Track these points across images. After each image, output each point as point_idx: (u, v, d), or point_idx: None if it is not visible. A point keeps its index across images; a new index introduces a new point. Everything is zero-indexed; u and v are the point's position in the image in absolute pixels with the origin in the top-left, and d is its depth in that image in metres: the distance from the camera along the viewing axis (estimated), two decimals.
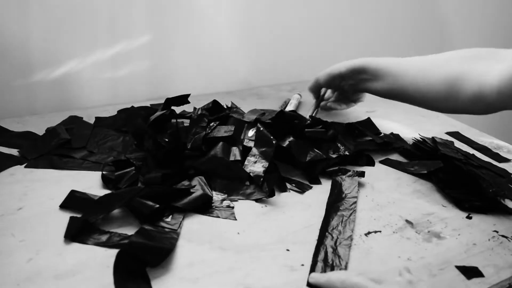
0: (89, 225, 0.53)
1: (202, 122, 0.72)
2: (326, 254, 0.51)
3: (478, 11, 1.39)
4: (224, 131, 0.71)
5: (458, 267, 0.51)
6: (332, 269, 0.49)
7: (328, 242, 0.53)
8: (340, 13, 1.15)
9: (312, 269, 0.49)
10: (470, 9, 1.37)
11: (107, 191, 0.61)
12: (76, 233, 0.52)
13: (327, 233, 0.55)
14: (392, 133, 0.83)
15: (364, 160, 0.73)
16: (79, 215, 0.54)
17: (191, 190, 0.60)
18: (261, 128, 0.69)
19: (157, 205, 0.55)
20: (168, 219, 0.55)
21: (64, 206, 0.57)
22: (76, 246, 0.51)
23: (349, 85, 0.80)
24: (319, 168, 0.68)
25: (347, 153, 0.71)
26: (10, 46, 0.81)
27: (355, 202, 0.61)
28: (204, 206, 0.59)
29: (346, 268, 0.49)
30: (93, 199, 0.57)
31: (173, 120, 0.72)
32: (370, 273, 0.45)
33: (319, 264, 0.50)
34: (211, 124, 0.72)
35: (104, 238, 0.52)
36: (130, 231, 0.53)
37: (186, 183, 0.62)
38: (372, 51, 1.24)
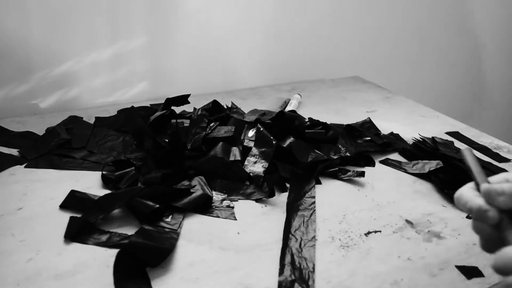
0: (89, 225, 0.53)
1: (202, 123, 0.72)
2: (293, 257, 0.50)
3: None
4: (224, 131, 0.71)
5: (458, 267, 0.51)
6: (300, 272, 0.48)
7: (293, 244, 0.52)
8: (340, 13, 1.15)
9: (281, 273, 0.48)
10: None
11: (107, 191, 0.61)
12: (76, 233, 0.52)
13: (290, 235, 0.54)
14: (392, 133, 0.83)
15: (364, 161, 0.73)
16: (79, 215, 0.54)
17: (191, 190, 0.60)
18: (261, 129, 0.69)
19: (157, 205, 0.55)
20: (168, 219, 0.55)
21: (64, 206, 0.57)
22: (76, 246, 0.51)
23: None
24: (319, 169, 0.68)
25: (348, 154, 0.71)
26: (10, 46, 0.82)
27: (313, 202, 0.61)
28: (204, 206, 0.59)
29: (313, 270, 0.48)
30: (93, 199, 0.57)
31: (173, 120, 0.72)
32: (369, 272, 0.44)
33: (287, 267, 0.48)
34: (211, 125, 0.72)
35: (104, 238, 0.52)
36: (130, 231, 0.53)
37: (186, 183, 0.62)
38: (373, 51, 1.25)
